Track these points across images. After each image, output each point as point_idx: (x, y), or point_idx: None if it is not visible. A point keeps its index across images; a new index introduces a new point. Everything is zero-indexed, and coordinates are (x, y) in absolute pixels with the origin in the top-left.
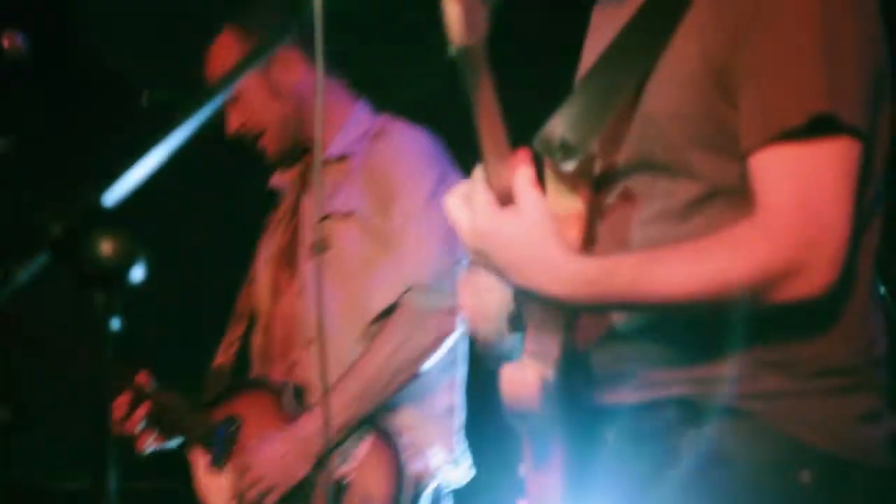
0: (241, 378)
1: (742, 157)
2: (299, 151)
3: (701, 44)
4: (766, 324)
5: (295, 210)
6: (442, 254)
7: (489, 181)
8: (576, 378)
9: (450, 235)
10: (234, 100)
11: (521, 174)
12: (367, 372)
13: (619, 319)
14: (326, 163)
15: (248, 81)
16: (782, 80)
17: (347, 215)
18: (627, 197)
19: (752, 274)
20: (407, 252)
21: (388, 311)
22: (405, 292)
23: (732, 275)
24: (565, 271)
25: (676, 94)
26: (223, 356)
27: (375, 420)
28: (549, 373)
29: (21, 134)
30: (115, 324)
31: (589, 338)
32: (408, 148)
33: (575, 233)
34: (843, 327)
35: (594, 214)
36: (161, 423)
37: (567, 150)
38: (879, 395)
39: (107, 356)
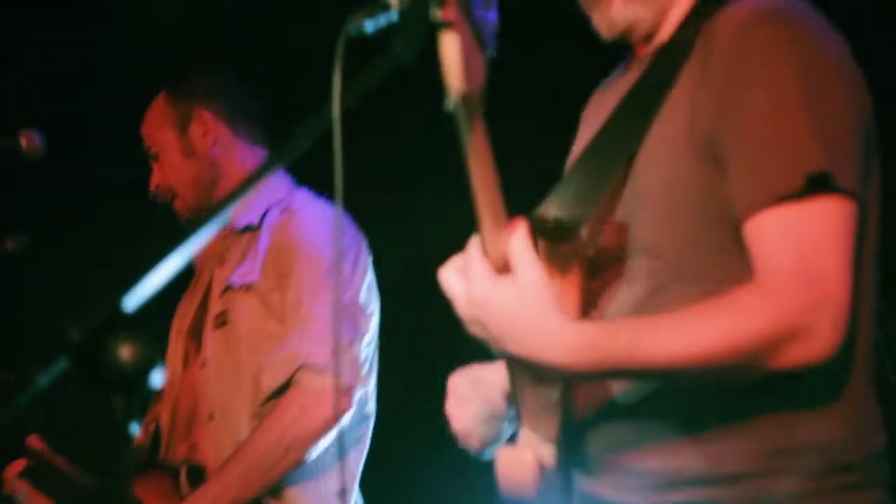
0: (146, 458)
1: (736, 224)
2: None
3: (688, 114)
4: (768, 399)
5: (209, 282)
6: (337, 331)
7: (485, 249)
8: (574, 462)
9: (346, 312)
10: (154, 159)
11: (517, 240)
12: (254, 453)
13: (619, 392)
14: (232, 233)
15: (165, 141)
16: (775, 144)
17: (248, 288)
18: (620, 277)
19: (754, 338)
20: (300, 328)
21: (282, 389)
22: (297, 371)
23: (734, 339)
24: (563, 337)
25: (666, 166)
26: (142, 434)
27: (263, 503)
28: (547, 455)
29: (37, 233)
30: (134, 428)
31: (587, 417)
32: (311, 223)
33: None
34: (844, 407)
35: (587, 297)
36: (47, 488)
37: (561, 230)
38: (884, 491)
39: (128, 460)
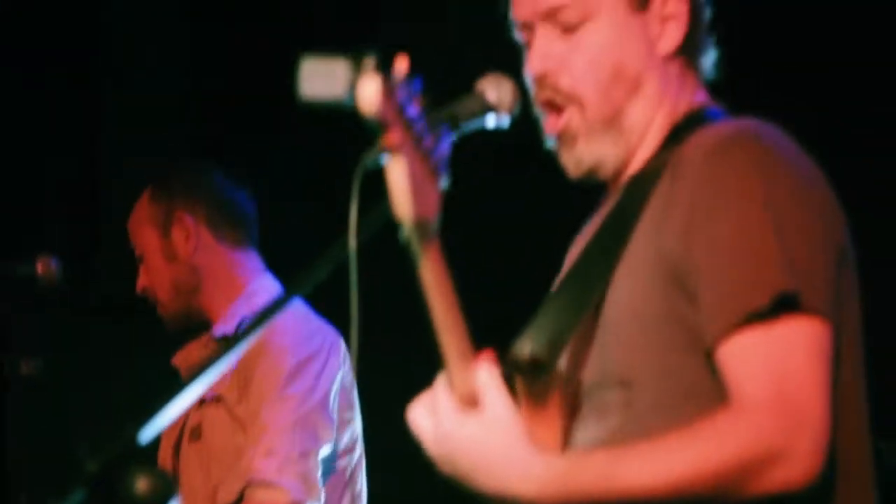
0: None
1: (708, 354)
2: (196, 325)
3: (655, 243)
4: None
5: None
6: (290, 445)
7: (451, 385)
8: None
9: (302, 425)
10: (140, 260)
11: (484, 374)
12: None
13: None
14: (210, 341)
15: (148, 242)
16: (741, 268)
17: (218, 400)
18: (595, 409)
19: (734, 463)
20: (255, 440)
21: None
22: (246, 487)
23: (714, 464)
24: (534, 468)
25: (635, 297)
26: None
27: None
28: None
29: (53, 357)
30: None
31: None
32: (277, 327)
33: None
34: None
35: (566, 430)
36: None
37: (537, 366)
38: None
39: None
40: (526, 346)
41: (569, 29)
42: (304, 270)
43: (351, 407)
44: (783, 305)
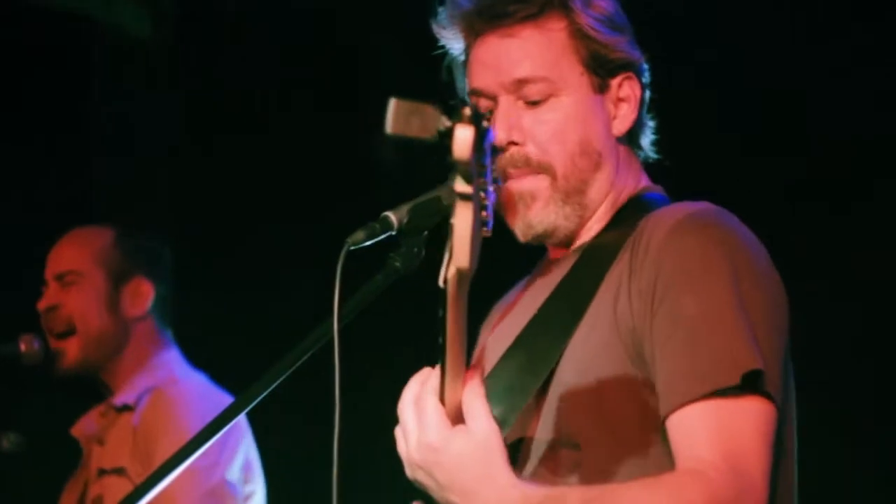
0: None
1: (658, 423)
2: (95, 386)
3: (612, 315)
4: None
5: (88, 462)
6: None
7: (443, 395)
8: None
9: (209, 498)
10: (62, 282)
11: (471, 391)
12: None
13: None
14: (111, 409)
15: (92, 279)
16: (708, 344)
17: (119, 472)
18: (547, 467)
19: None
20: None
21: None
22: None
23: None
24: (510, 493)
25: (590, 364)
26: None
27: None
28: None
29: (34, 433)
30: None
31: None
32: (178, 401)
33: None
34: None
35: None
36: None
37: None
38: None
39: None
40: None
41: (534, 103)
42: (289, 351)
43: (253, 480)
44: (747, 383)
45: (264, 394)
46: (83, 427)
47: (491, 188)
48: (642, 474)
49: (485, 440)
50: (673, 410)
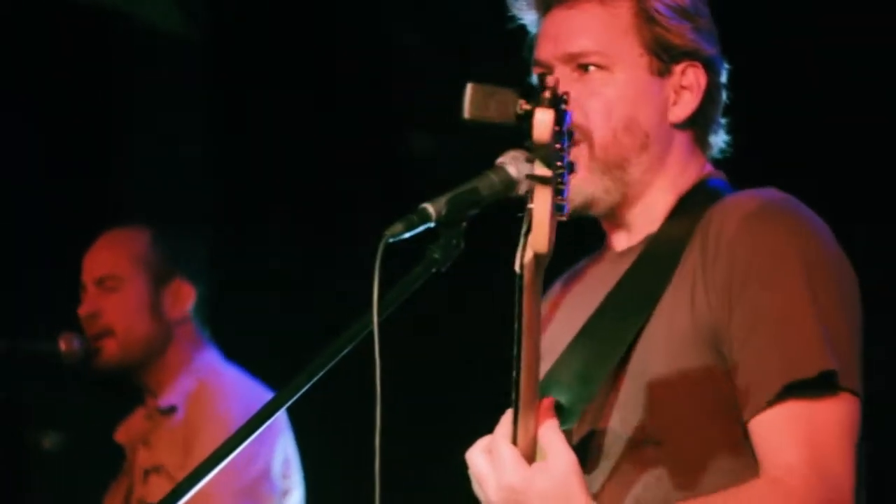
0: None
1: (738, 418)
2: (134, 391)
3: (689, 306)
4: None
5: (133, 465)
6: None
7: (516, 433)
8: None
9: (246, 493)
10: (103, 287)
11: (549, 429)
12: None
13: None
14: (157, 412)
15: (134, 283)
16: (786, 345)
17: (157, 471)
18: (621, 463)
19: None
20: None
21: None
22: None
23: None
24: None
25: (668, 357)
26: None
27: None
28: None
29: (72, 432)
30: None
31: None
32: (219, 395)
33: None
34: None
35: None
36: None
37: (561, 414)
38: None
39: None
40: (551, 392)
41: (587, 75)
42: (328, 344)
43: (291, 475)
44: (824, 382)
45: (306, 387)
46: (127, 430)
47: (566, 173)
48: (727, 470)
49: (565, 476)
50: (754, 413)
